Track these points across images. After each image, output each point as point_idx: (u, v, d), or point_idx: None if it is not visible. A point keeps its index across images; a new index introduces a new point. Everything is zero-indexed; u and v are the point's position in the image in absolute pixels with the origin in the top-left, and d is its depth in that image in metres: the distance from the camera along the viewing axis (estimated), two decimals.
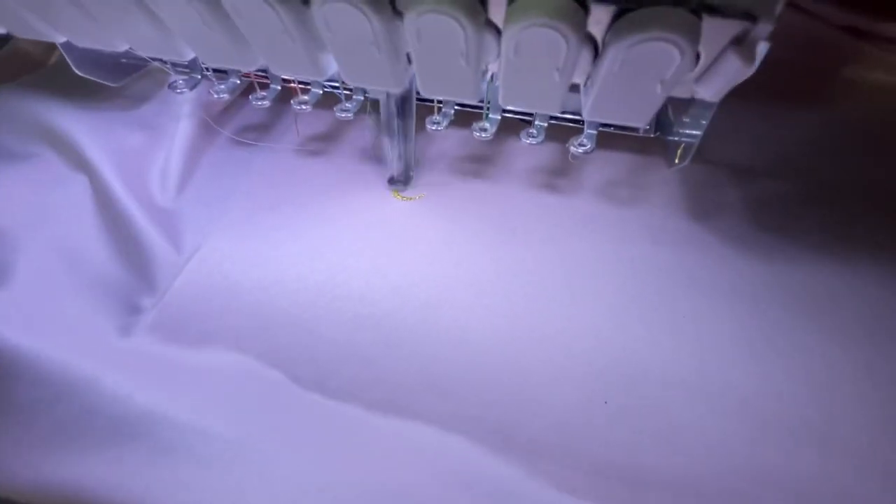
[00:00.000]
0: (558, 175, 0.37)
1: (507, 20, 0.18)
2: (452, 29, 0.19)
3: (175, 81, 0.36)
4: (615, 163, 0.37)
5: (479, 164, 0.38)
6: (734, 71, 0.18)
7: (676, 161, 0.30)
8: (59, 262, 0.31)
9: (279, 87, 0.36)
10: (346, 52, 0.22)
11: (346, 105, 0.35)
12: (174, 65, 0.36)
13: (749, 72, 0.18)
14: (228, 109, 0.41)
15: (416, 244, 0.34)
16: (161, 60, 0.35)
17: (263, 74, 0.36)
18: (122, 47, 0.27)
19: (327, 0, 0.19)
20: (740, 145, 0.37)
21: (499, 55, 0.20)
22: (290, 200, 0.36)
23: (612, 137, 0.34)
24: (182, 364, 0.28)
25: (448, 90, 0.23)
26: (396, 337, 0.29)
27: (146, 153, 0.37)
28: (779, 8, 0.17)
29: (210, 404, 0.26)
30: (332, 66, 0.24)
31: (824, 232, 0.33)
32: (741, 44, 0.18)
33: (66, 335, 0.28)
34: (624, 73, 0.19)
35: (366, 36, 0.20)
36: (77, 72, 0.33)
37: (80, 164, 0.34)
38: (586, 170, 0.37)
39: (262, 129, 0.41)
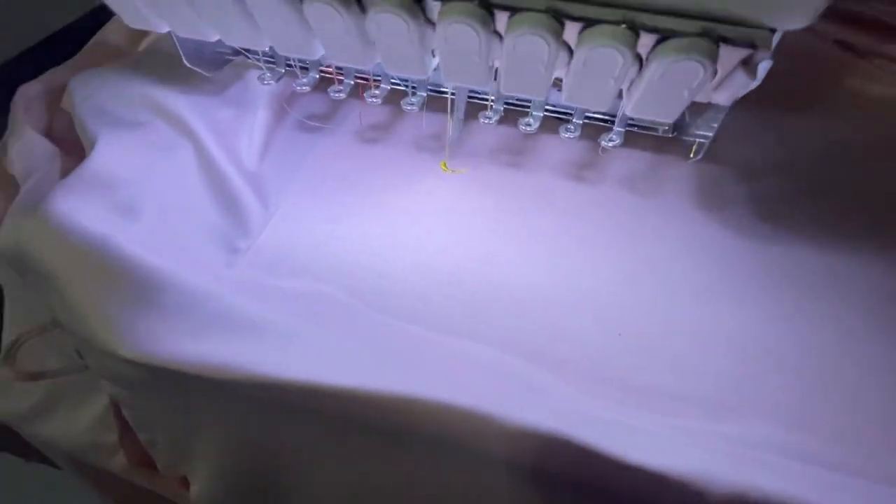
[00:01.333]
0: (587, 167, 0.44)
1: (580, 41, 0.26)
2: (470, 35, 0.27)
3: (263, 74, 0.43)
4: (637, 159, 0.44)
5: (518, 154, 0.45)
6: (742, 83, 0.25)
7: (691, 155, 0.37)
8: (174, 208, 0.37)
9: (353, 82, 0.43)
10: (392, 50, 0.30)
11: (412, 100, 0.41)
12: (265, 59, 0.43)
13: (753, 84, 0.25)
14: (297, 99, 0.49)
15: (465, 211, 0.41)
16: (256, 55, 0.42)
17: (339, 70, 0.42)
18: (214, 37, 0.35)
19: (448, 21, 0.26)
20: (747, 147, 0.44)
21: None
22: (354, 171, 0.44)
23: (635, 137, 0.41)
24: (276, 288, 0.35)
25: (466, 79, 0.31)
26: (452, 280, 0.37)
27: (235, 126, 0.43)
28: (775, 41, 0.24)
29: (300, 315, 0.32)
30: (432, 66, 0.32)
31: (817, 223, 0.39)
32: (747, 63, 0.25)
33: (189, 260, 0.34)
34: (662, 82, 0.26)
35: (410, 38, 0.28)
36: (185, 62, 0.40)
37: (185, 132, 0.40)
38: (611, 164, 0.44)
39: (325, 117, 0.48)
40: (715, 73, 0.26)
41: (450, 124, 0.43)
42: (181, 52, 0.40)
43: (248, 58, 0.42)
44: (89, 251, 0.31)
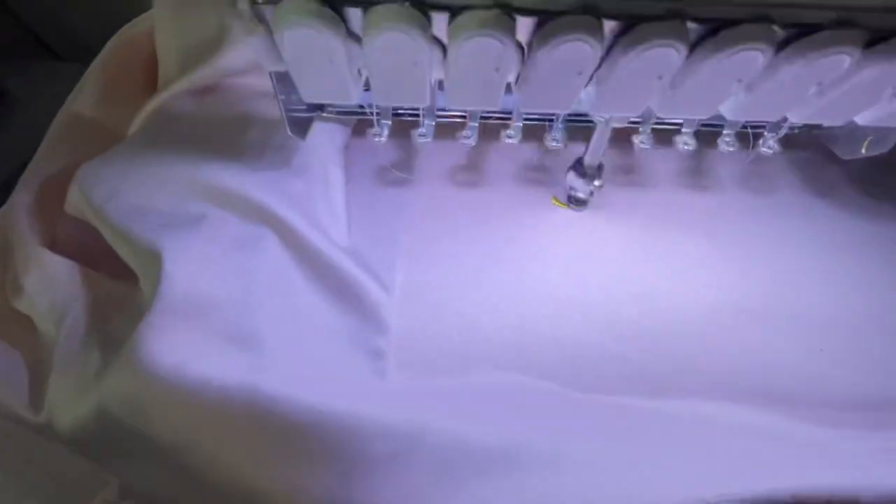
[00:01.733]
0: (698, 175, 0.41)
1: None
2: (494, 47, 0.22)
3: (375, 129, 0.35)
4: (744, 162, 0.41)
5: (628, 173, 0.41)
6: None
7: (863, 150, 0.34)
8: (293, 321, 0.29)
9: (433, 123, 0.36)
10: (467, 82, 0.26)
11: (511, 132, 0.36)
12: (377, 114, 0.35)
13: None
14: (360, 150, 0.41)
15: (600, 248, 0.37)
16: (373, 114, 0.35)
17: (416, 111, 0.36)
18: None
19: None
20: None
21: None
22: (462, 225, 0.37)
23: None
24: (456, 391, 0.29)
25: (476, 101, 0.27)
26: (627, 332, 0.33)
27: (309, 197, 0.34)
28: None
29: (512, 420, 0.27)
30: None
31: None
32: None
33: (343, 388, 0.27)
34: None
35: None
36: (290, 132, 0.32)
37: (258, 217, 0.32)
38: (722, 168, 0.41)
39: (406, 166, 0.41)
40: None
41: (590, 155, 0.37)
42: (286, 121, 0.31)
43: (317, 115, 0.35)
44: (236, 409, 0.24)
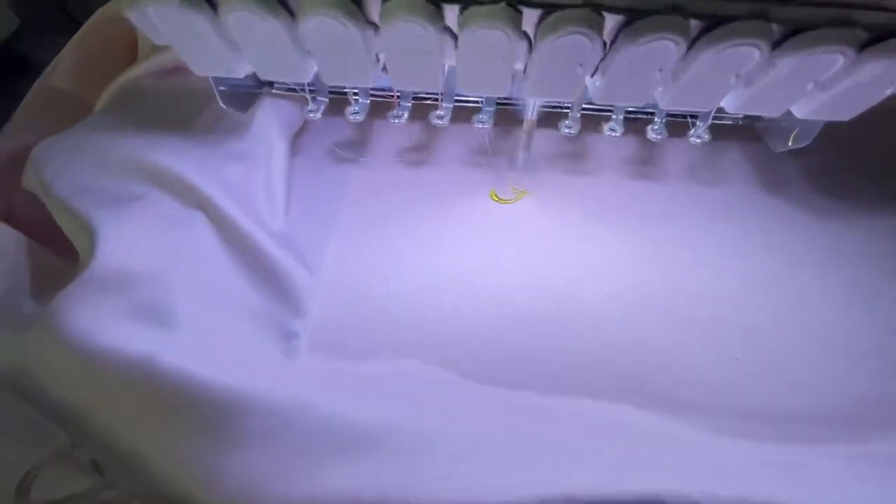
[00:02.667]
0: (646, 164, 0.41)
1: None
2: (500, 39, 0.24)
3: (310, 107, 0.36)
4: (694, 151, 0.41)
5: (572, 160, 0.41)
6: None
7: (790, 143, 0.33)
8: (211, 300, 0.30)
9: (368, 101, 0.37)
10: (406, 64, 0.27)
11: (441, 112, 0.37)
12: (310, 91, 0.37)
13: None
14: (309, 129, 0.42)
15: (531, 242, 0.36)
16: (302, 89, 0.36)
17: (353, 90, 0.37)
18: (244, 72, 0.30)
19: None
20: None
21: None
22: (399, 212, 0.37)
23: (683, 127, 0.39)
24: (356, 375, 0.29)
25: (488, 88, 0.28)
26: (539, 329, 0.32)
27: (248, 181, 0.35)
28: None
29: (394, 405, 0.27)
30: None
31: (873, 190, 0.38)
32: None
33: (245, 366, 0.28)
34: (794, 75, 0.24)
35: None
36: (223, 105, 0.33)
37: (195, 200, 0.33)
38: (670, 156, 0.41)
39: (354, 147, 0.42)
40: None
41: (521, 139, 0.37)
42: (217, 94, 0.33)
43: (263, 90, 0.36)
44: (133, 379, 0.25)
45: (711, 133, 0.35)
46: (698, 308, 0.33)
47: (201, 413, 0.25)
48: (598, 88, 0.27)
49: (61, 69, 0.41)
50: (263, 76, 0.30)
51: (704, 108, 0.30)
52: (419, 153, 0.42)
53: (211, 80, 0.32)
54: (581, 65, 0.25)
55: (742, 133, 0.39)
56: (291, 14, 0.25)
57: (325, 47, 0.26)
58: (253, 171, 0.35)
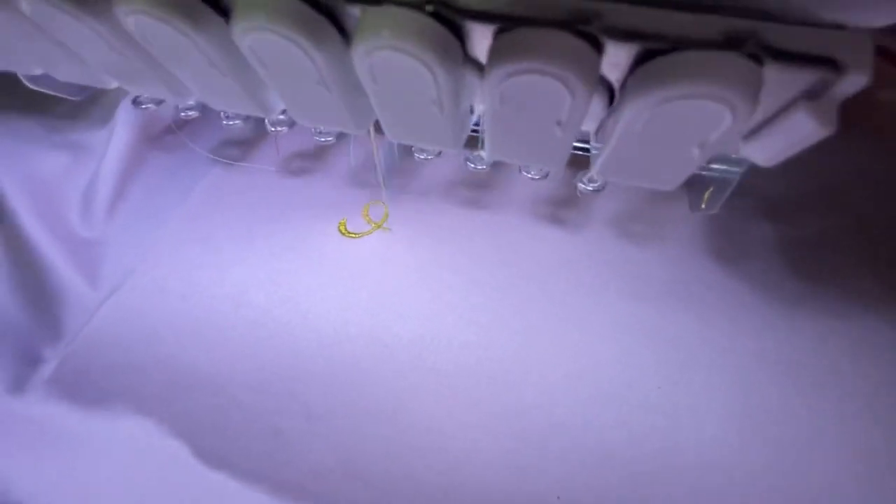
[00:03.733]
0: (563, 206, 0.32)
1: (490, 59, 0.13)
2: (418, 71, 0.14)
3: (140, 96, 0.31)
4: (629, 193, 0.32)
5: (474, 190, 0.33)
6: (803, 134, 0.13)
7: (703, 206, 0.25)
8: None
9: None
10: (292, 92, 0.17)
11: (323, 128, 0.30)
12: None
13: (822, 135, 0.13)
14: (188, 123, 0.36)
15: (361, 290, 0.29)
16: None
17: None
18: (38, 71, 0.22)
19: (252, 29, 0.14)
20: (772, 174, 0.32)
21: (483, 98, 0.16)
22: (232, 229, 0.31)
23: None
24: (70, 434, 0.24)
25: (421, 137, 0.18)
26: (322, 406, 0.25)
27: (68, 176, 0.32)
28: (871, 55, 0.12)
29: (95, 486, 0.23)
30: (279, 104, 0.19)
31: (867, 278, 0.27)
32: (815, 98, 0.13)
33: None
34: (650, 133, 0.14)
35: (310, 76, 0.15)
36: (29, 85, 0.28)
37: None
38: (597, 200, 0.32)
39: (237, 145, 0.36)
40: (750, 114, 0.13)
41: (377, 158, 0.31)
42: (20, 74, 0.27)
43: None
44: None
45: None
46: (533, 413, 0.24)
47: None
48: (599, 159, 0.17)
49: None
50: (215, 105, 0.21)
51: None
52: (302, 161, 0.34)
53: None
54: (559, 123, 0.15)
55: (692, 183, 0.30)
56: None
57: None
58: (79, 164, 0.33)
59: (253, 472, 0.23)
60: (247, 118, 0.31)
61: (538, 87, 0.13)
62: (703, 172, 0.26)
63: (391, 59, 0.13)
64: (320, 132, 0.30)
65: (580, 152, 0.29)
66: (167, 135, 0.35)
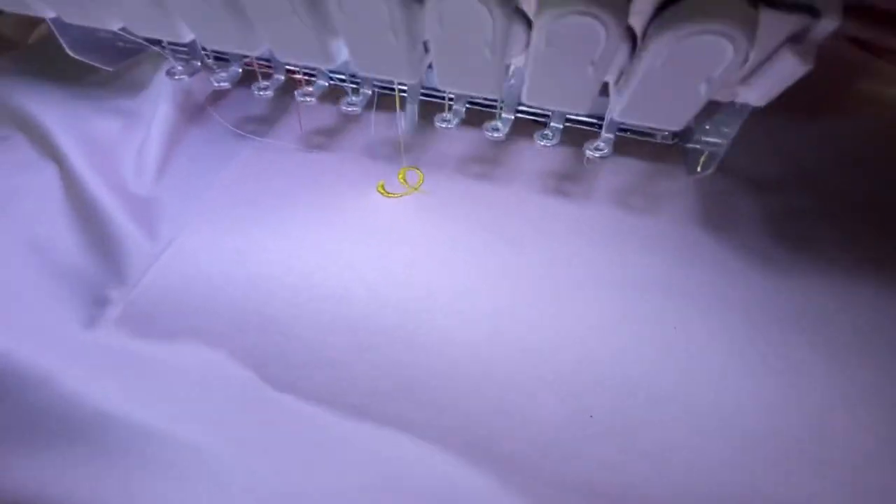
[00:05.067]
0: (569, 180, 0.35)
1: (539, 6, 0.17)
2: (480, 16, 0.17)
3: (173, 68, 0.34)
4: (630, 169, 0.35)
5: (486, 165, 0.36)
6: (788, 72, 0.17)
7: (699, 169, 0.29)
8: (22, 250, 0.29)
9: (283, 77, 0.34)
10: (360, 37, 0.20)
11: (353, 99, 0.33)
12: (173, 50, 0.34)
13: (803, 71, 0.17)
14: (219, 98, 0.39)
15: (401, 245, 0.32)
16: (159, 44, 0.33)
17: (267, 63, 0.34)
18: (116, 25, 0.25)
19: None
20: (758, 156, 0.36)
21: (527, 47, 0.19)
22: (274, 194, 0.34)
23: (627, 143, 0.33)
24: (146, 360, 0.26)
25: (468, 83, 0.21)
26: (372, 341, 0.28)
27: (122, 140, 0.35)
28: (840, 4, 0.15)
29: (172, 405, 0.25)
30: (342, 54, 0.22)
31: (838, 247, 0.31)
32: (799, 40, 0.16)
33: (25, 327, 0.27)
34: (667, 70, 0.17)
35: (383, 20, 0.18)
36: (70, 53, 0.31)
37: (50, 150, 0.33)
38: (600, 175, 0.35)
39: (260, 122, 0.39)
40: (748, 54, 0.17)
41: (400, 128, 0.34)
42: (62, 41, 0.30)
43: (147, 46, 0.33)
44: None
45: (657, 154, 0.30)
46: (560, 353, 0.27)
47: None
48: (621, 102, 0.20)
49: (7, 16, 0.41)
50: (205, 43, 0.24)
51: (569, 109, 0.22)
52: (323, 137, 0.38)
53: (52, 26, 0.29)
54: (593, 63, 0.18)
55: (689, 154, 0.33)
56: None
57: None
58: (131, 129, 0.36)
59: (317, 396, 0.25)
60: (277, 89, 0.34)
61: (580, 29, 0.16)
62: (698, 146, 0.30)
63: (459, 4, 0.17)
64: (349, 103, 0.33)
65: (587, 127, 0.32)
66: (200, 110, 0.38)
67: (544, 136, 0.31)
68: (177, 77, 0.34)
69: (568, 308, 0.29)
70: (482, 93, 0.21)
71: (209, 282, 0.30)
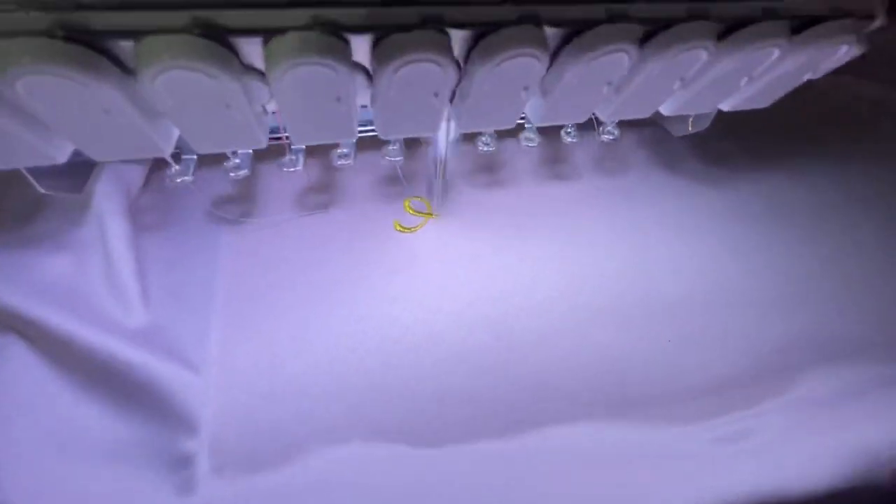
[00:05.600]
0: (557, 164, 0.39)
1: (380, 58, 0.18)
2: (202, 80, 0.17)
3: (171, 170, 0.28)
4: (591, 142, 0.40)
5: (479, 174, 0.37)
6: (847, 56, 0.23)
7: (690, 129, 0.32)
8: (51, 451, 0.23)
9: (250, 152, 0.29)
10: (192, 117, 0.19)
11: (344, 150, 0.29)
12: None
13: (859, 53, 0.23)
14: (171, 191, 0.32)
15: (450, 267, 0.32)
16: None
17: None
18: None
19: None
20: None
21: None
22: (291, 269, 0.31)
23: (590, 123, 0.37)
24: (275, 494, 0.23)
25: (226, 141, 0.21)
26: (480, 366, 0.29)
27: (81, 276, 0.28)
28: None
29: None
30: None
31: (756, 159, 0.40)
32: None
33: None
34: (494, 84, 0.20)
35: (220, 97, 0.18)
36: (41, 190, 0.23)
37: (3, 321, 0.25)
38: (577, 154, 0.40)
39: (234, 201, 0.33)
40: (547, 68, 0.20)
41: (437, 172, 0.31)
42: (30, 179, 0.23)
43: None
44: None
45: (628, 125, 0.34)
46: (621, 299, 0.33)
47: None
48: (539, 110, 0.24)
49: None
50: (97, 156, 0.21)
51: (644, 114, 0.27)
52: (315, 196, 0.35)
53: (23, 170, 0.23)
54: (526, 88, 0.21)
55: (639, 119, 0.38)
56: (126, 71, 0.17)
57: (190, 108, 0.18)
58: (85, 261, 0.28)
59: (475, 433, 0.26)
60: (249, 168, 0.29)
61: (420, 71, 0.18)
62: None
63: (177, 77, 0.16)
64: (342, 154, 0.30)
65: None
66: (157, 210, 0.32)
67: (528, 140, 0.32)
68: (178, 179, 0.28)
69: (609, 260, 0.34)
70: (243, 147, 0.22)
71: (284, 386, 0.26)
